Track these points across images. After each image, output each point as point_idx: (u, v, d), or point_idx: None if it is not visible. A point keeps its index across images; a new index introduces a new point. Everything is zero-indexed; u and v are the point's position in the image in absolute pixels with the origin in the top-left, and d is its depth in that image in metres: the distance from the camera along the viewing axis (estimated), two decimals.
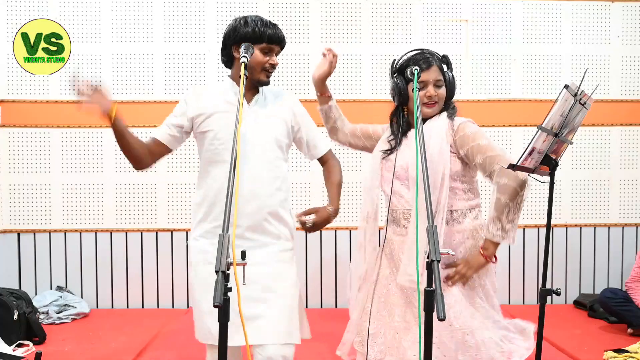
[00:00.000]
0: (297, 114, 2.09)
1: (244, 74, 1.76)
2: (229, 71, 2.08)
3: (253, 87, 2.01)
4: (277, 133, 2.01)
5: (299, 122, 2.09)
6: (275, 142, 2.00)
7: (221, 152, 1.96)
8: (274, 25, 1.98)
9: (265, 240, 1.97)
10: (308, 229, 1.98)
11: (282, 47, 2.02)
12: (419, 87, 2.01)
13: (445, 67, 2.07)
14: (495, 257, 1.97)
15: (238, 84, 1.98)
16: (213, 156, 1.98)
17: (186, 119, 2.03)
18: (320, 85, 2.25)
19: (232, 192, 1.49)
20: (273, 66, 1.99)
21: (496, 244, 1.95)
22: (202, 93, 2.05)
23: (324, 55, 2.21)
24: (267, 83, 2.01)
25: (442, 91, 2.04)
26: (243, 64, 1.79)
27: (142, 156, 2.00)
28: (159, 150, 2.04)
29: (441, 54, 2.10)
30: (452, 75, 2.07)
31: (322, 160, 2.19)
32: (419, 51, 2.09)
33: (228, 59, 2.04)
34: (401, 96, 2.06)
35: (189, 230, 3.86)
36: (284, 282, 1.97)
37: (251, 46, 1.90)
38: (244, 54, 1.84)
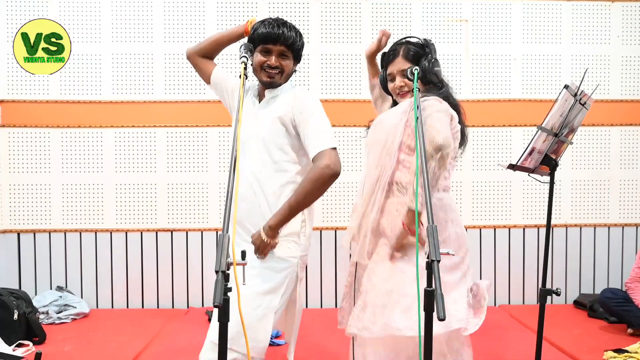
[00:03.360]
0: (297, 110, 1.95)
1: (244, 74, 1.77)
2: None
3: (264, 87, 2.03)
4: (275, 133, 1.95)
5: (296, 118, 1.95)
6: (274, 142, 1.95)
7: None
8: (278, 25, 1.96)
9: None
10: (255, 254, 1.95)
11: (288, 47, 1.97)
12: (390, 79, 2.10)
13: (423, 53, 2.04)
14: (422, 223, 1.85)
15: (257, 85, 2.07)
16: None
17: (228, 92, 2.15)
18: (369, 60, 2.39)
19: (232, 193, 1.48)
20: (271, 67, 1.96)
21: (412, 211, 1.86)
22: (237, 90, 2.11)
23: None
24: (269, 84, 1.99)
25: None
26: (242, 64, 1.79)
27: (209, 54, 2.21)
28: (204, 67, 2.19)
29: (420, 40, 2.09)
30: (428, 62, 2.01)
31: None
32: (395, 43, 2.14)
33: None
34: (383, 87, 2.21)
35: (189, 230, 3.89)
36: (248, 290, 1.85)
37: (251, 46, 1.92)
38: (243, 54, 1.84)
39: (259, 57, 1.97)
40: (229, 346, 1.83)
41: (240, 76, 1.76)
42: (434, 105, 1.94)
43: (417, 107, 1.76)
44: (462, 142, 2.12)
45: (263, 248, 1.90)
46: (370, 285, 1.96)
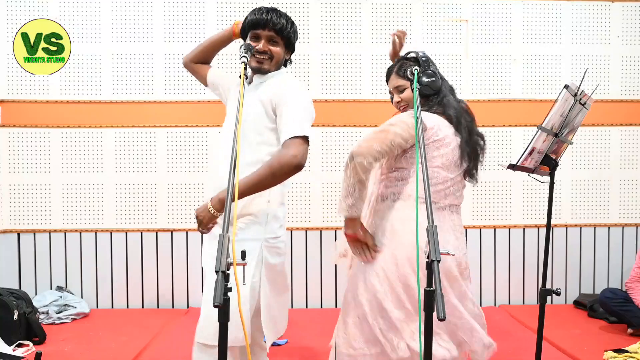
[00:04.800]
0: (279, 93, 1.94)
1: (244, 74, 1.76)
2: None
3: (255, 72, 2.04)
4: (257, 116, 1.96)
5: (276, 100, 1.94)
6: (254, 125, 1.95)
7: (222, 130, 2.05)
8: (267, 11, 1.96)
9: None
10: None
11: (277, 33, 1.97)
12: (391, 96, 2.14)
13: (415, 67, 2.01)
14: (354, 237, 1.92)
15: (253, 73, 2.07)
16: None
17: (223, 89, 2.22)
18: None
19: (232, 192, 1.48)
20: (260, 52, 1.96)
21: (346, 219, 1.91)
22: (232, 79, 2.18)
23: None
24: (258, 70, 2.00)
25: (405, 94, 2.06)
26: (242, 64, 1.78)
27: (203, 59, 2.28)
28: (199, 71, 2.26)
29: (414, 55, 2.09)
30: (427, 73, 2.00)
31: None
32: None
33: None
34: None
35: (189, 230, 3.89)
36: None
37: (250, 45, 1.92)
38: (243, 54, 1.83)
39: (250, 43, 1.97)
40: (201, 341, 1.89)
41: (240, 76, 1.75)
42: (396, 118, 1.95)
43: (417, 107, 1.76)
44: (473, 157, 2.05)
45: (207, 221, 1.89)
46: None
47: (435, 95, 2.03)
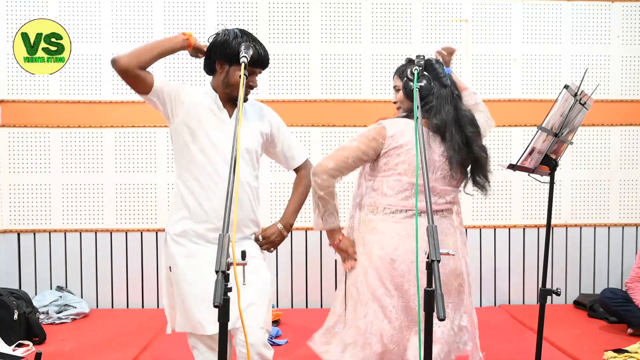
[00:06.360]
0: (274, 127, 2.14)
1: (244, 74, 1.77)
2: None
3: (232, 101, 2.03)
4: (253, 145, 2.05)
5: (275, 134, 2.14)
6: (249, 154, 2.04)
7: (198, 155, 1.99)
8: (263, 47, 2.00)
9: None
10: (265, 248, 2.13)
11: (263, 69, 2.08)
12: None
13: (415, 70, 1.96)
14: (336, 247, 2.05)
15: (219, 94, 2.04)
16: (191, 158, 2.00)
17: (171, 97, 2.02)
18: None
19: (232, 194, 1.49)
20: (251, 87, 2.03)
21: (326, 231, 2.04)
22: (192, 96, 2.05)
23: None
24: (245, 101, 2.04)
25: (399, 95, 2.11)
26: (243, 64, 1.79)
27: (147, 66, 1.97)
28: (145, 77, 1.96)
29: (416, 56, 2.06)
30: (406, 77, 1.99)
31: (297, 170, 2.24)
32: None
33: (210, 69, 2.06)
34: None
35: None
36: (264, 277, 2.05)
37: (250, 45, 1.89)
38: (244, 54, 1.83)
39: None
40: (266, 326, 2.06)
41: (240, 76, 1.76)
42: (364, 130, 2.01)
43: (417, 108, 1.76)
44: (477, 168, 2.07)
45: (279, 243, 2.16)
46: None
47: (422, 101, 1.97)
